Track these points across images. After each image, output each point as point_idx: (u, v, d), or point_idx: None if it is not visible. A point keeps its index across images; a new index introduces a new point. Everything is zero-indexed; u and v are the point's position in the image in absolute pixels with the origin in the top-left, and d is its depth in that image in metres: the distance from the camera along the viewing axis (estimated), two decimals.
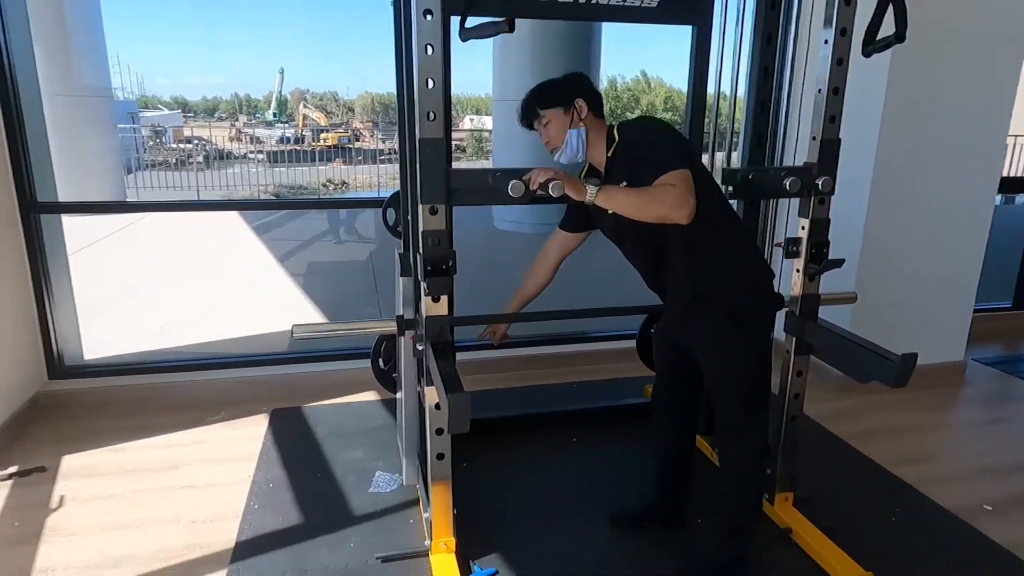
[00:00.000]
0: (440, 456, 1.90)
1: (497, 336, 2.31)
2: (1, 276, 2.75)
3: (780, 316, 2.05)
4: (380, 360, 2.54)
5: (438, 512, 1.95)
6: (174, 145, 18.03)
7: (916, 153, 3.09)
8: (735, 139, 2.58)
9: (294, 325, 1.95)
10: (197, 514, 2.26)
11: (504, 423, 2.83)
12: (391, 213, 2.48)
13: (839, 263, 2.01)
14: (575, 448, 2.71)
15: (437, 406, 1.85)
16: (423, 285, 1.75)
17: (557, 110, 1.85)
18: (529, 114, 1.89)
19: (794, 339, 2.11)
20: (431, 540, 1.97)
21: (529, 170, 1.74)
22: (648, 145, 1.76)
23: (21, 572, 1.98)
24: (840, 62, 1.86)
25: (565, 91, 1.88)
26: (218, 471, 2.52)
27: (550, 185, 1.64)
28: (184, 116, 31.07)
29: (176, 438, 2.77)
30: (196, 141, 18.99)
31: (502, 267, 6.15)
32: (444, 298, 1.78)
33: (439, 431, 1.88)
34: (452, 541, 1.98)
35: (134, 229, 8.06)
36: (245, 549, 2.08)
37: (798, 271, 2.07)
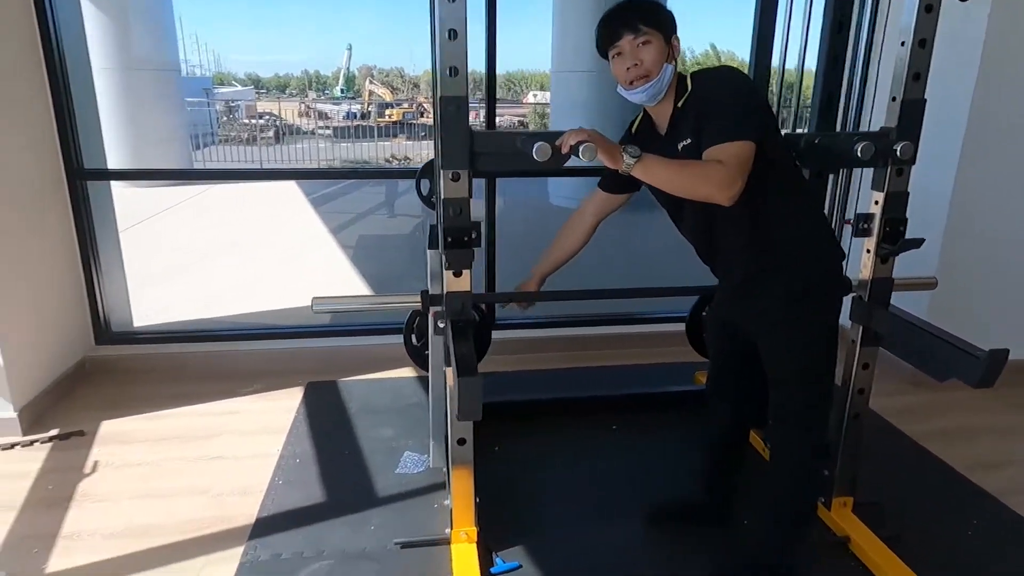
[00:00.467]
0: (461, 441, 1.78)
1: (523, 306, 2.16)
2: (49, 241, 2.78)
3: (846, 302, 1.83)
4: (413, 336, 2.44)
5: (459, 500, 1.84)
6: (246, 121, 18.48)
7: (1017, 118, 2.73)
8: (800, 104, 2.33)
9: (313, 298, 1.86)
10: (224, 486, 2.22)
11: (542, 406, 2.70)
12: (425, 183, 2.36)
13: (918, 243, 1.76)
14: (615, 436, 2.56)
15: None
16: (443, 258, 1.62)
17: (659, 35, 1.56)
18: (627, 25, 1.55)
19: (861, 328, 1.89)
20: (452, 528, 1.87)
21: (562, 134, 1.57)
22: (717, 103, 1.52)
23: (49, 535, 1.98)
24: (929, 8, 1.61)
25: (670, 20, 1.59)
26: (249, 443, 2.48)
27: (580, 148, 1.46)
28: (256, 92, 31.87)
29: (212, 407, 2.76)
30: (267, 117, 19.43)
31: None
32: (467, 273, 1.65)
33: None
34: (474, 531, 1.87)
35: (199, 200, 8.28)
36: (265, 526, 2.03)
37: (869, 251, 1.84)
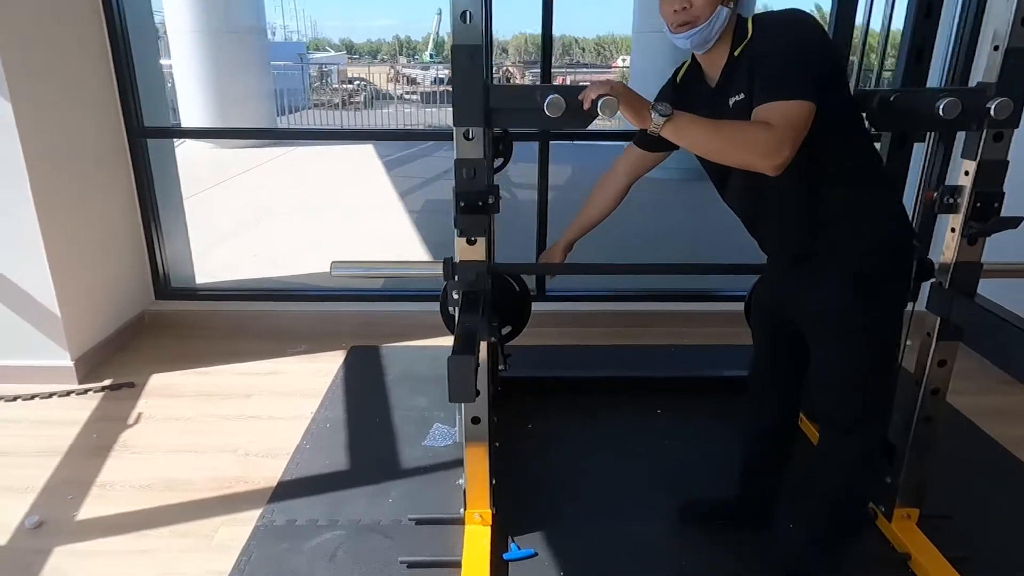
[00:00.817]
0: (475, 420, 1.68)
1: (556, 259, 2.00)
2: (109, 197, 2.86)
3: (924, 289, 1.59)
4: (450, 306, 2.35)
5: (473, 481, 1.74)
6: (337, 86, 18.85)
7: None
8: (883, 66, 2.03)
9: (333, 262, 1.79)
10: (253, 446, 2.23)
11: (583, 384, 2.56)
12: None
13: (1015, 222, 1.49)
14: (659, 420, 2.39)
15: None
16: (455, 223, 1.50)
17: None
18: None
19: (939, 320, 1.63)
20: (465, 509, 1.78)
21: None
22: (775, 54, 1.30)
23: (86, 483, 2.05)
24: None
25: None
26: (285, 404, 2.49)
27: (599, 103, 1.29)
28: (348, 57, 32.50)
29: (257, 366, 2.79)
30: (357, 82, 19.74)
31: (640, 217, 5.73)
32: (482, 241, 1.52)
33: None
34: (488, 513, 1.77)
35: (281, 162, 8.50)
36: (285, 490, 2.01)
37: (953, 230, 1.57)
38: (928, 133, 1.90)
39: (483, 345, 1.62)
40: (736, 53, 1.38)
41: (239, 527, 1.86)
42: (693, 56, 1.48)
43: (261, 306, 3.19)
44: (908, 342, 1.75)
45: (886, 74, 1.93)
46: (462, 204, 1.47)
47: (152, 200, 3.05)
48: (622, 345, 2.94)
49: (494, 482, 1.78)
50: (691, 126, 1.31)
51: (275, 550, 1.76)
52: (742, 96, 1.35)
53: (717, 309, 3.13)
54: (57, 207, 2.50)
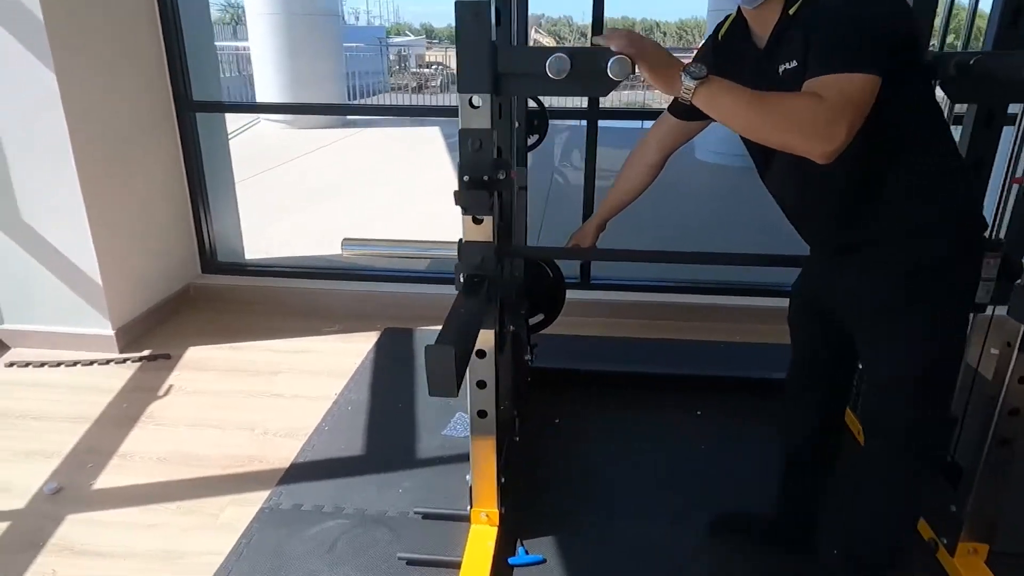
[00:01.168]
0: (482, 413, 1.56)
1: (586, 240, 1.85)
2: (156, 170, 2.89)
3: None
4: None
5: (480, 479, 1.63)
6: (416, 70, 19.01)
7: None
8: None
9: (344, 239, 1.71)
10: (273, 425, 2.20)
11: (618, 379, 2.40)
12: None
13: None
14: (698, 423, 2.20)
15: (479, 352, 1.51)
16: (459, 200, 1.37)
17: None
18: None
19: (1022, 329, 1.39)
20: (471, 508, 1.67)
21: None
22: (839, 15, 1.09)
23: (108, 452, 2.06)
24: None
25: None
26: (311, 384, 2.44)
27: (609, 63, 1.13)
28: (428, 42, 32.70)
29: (291, 344, 2.77)
30: (435, 66, 19.85)
31: (703, 205, 5.46)
32: (489, 220, 1.39)
33: (480, 384, 1.53)
34: (495, 513, 1.66)
35: (348, 142, 8.61)
36: (297, 472, 1.96)
37: None
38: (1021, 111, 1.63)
39: (491, 334, 1.50)
40: (791, 11, 1.18)
41: (246, 507, 1.82)
42: (739, 9, 1.29)
43: (302, 283, 3.17)
44: (993, 350, 1.53)
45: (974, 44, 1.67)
46: (466, 179, 1.34)
47: (200, 175, 3.07)
48: (667, 339, 2.75)
49: (503, 480, 1.66)
50: (726, 94, 1.12)
51: (275, 535, 1.71)
52: (794, 64, 1.16)
53: (774, 305, 2.88)
54: (100, 177, 2.53)
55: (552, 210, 4.38)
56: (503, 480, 1.66)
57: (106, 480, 1.94)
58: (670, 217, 4.69)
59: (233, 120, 8.87)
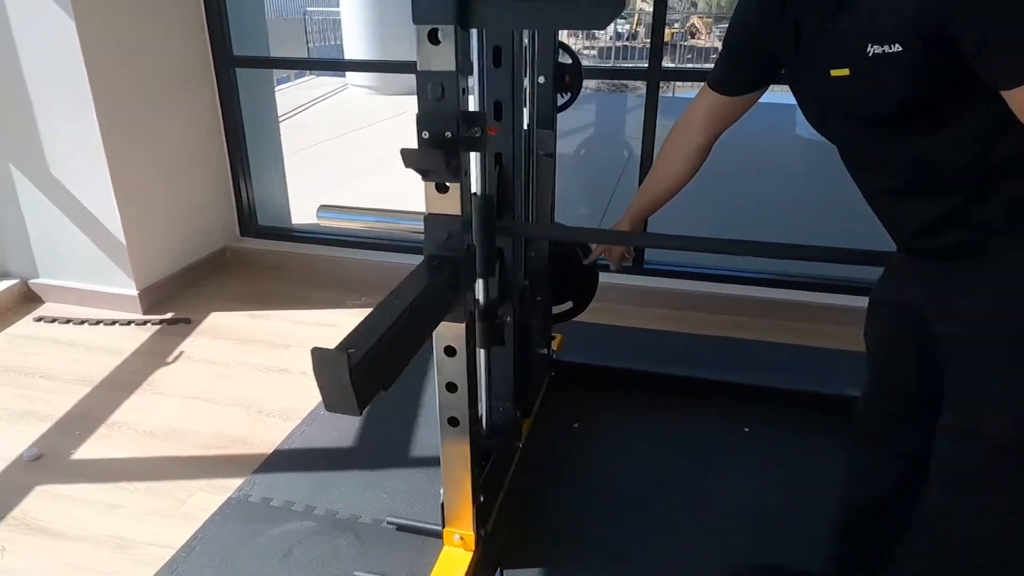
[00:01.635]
0: (453, 421, 1.30)
1: (614, 258, 1.59)
2: (191, 129, 2.78)
3: None
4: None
5: (453, 496, 1.38)
6: None
7: None
8: None
9: (320, 205, 1.48)
10: (270, 403, 2.04)
11: (656, 381, 2.06)
12: None
13: None
14: (744, 442, 1.85)
15: (448, 350, 1.25)
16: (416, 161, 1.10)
17: None
18: None
19: None
20: (443, 527, 1.43)
21: None
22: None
23: (98, 419, 1.97)
24: None
25: None
26: None
27: None
28: None
29: (312, 316, 2.61)
30: None
31: (803, 183, 4.91)
32: (456, 189, 1.12)
33: (450, 386, 1.28)
34: (471, 536, 1.40)
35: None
36: (277, 460, 1.79)
37: None
38: None
39: (461, 328, 1.24)
40: None
41: (215, 495, 1.67)
42: None
43: (336, 252, 3.01)
44: None
45: None
46: (425, 135, 1.07)
47: (240, 135, 2.95)
48: (724, 337, 2.38)
49: (482, 499, 1.41)
50: None
51: (233, 533, 1.54)
52: (896, 49, 0.83)
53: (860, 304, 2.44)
54: (125, 133, 2.43)
55: (625, 190, 4.01)
56: (483, 498, 1.41)
57: (87, 450, 1.84)
58: (754, 195, 4.22)
59: (321, 86, 8.96)
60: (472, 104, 1.27)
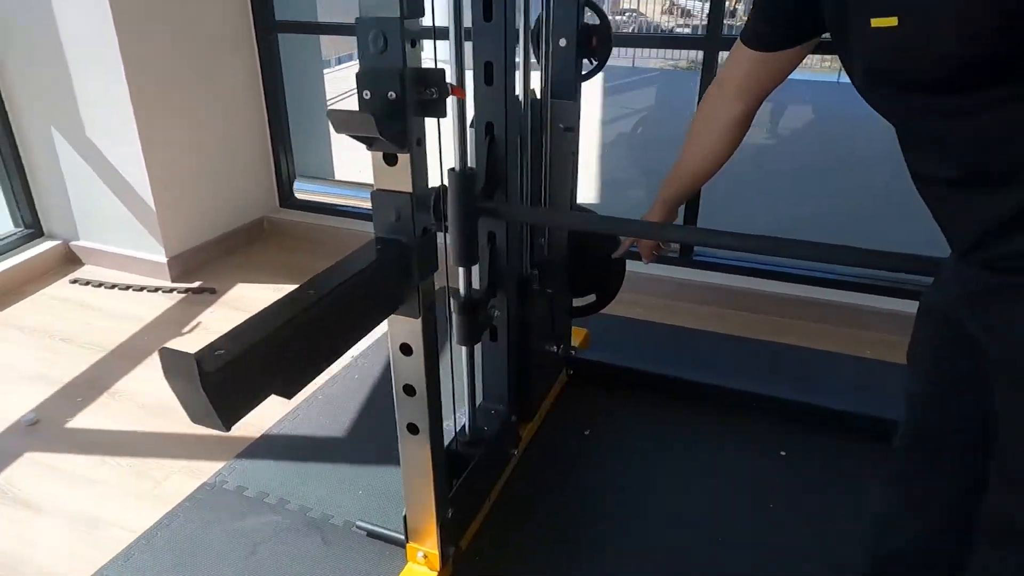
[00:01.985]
0: (412, 428, 1.15)
1: (645, 251, 1.40)
2: (228, 96, 2.71)
3: None
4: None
5: (415, 511, 1.22)
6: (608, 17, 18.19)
7: None
8: None
9: (298, 176, 1.35)
10: None
11: (683, 388, 1.83)
12: None
13: None
14: (776, 466, 1.61)
15: (404, 348, 1.09)
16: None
17: None
18: None
19: None
20: (407, 542, 1.28)
21: None
22: None
23: (102, 388, 1.95)
24: None
25: None
26: None
27: None
28: None
29: None
30: (628, 13, 18.88)
31: (854, 167, 4.44)
32: (404, 160, 0.95)
33: (407, 389, 1.12)
34: (436, 556, 1.25)
35: None
36: (261, 446, 1.70)
37: None
38: None
39: (417, 324, 1.07)
40: None
41: (192, 479, 1.59)
42: None
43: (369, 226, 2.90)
44: None
45: None
46: (367, 94, 0.90)
47: (281, 104, 2.88)
48: (772, 342, 2.11)
49: (451, 513, 1.25)
50: None
51: (201, 522, 1.45)
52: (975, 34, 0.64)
53: (902, 308, 2.10)
54: (158, 96, 2.39)
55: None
56: (452, 513, 1.25)
57: (83, 420, 1.81)
58: (830, 184, 3.81)
59: None
60: (450, 65, 1.09)
